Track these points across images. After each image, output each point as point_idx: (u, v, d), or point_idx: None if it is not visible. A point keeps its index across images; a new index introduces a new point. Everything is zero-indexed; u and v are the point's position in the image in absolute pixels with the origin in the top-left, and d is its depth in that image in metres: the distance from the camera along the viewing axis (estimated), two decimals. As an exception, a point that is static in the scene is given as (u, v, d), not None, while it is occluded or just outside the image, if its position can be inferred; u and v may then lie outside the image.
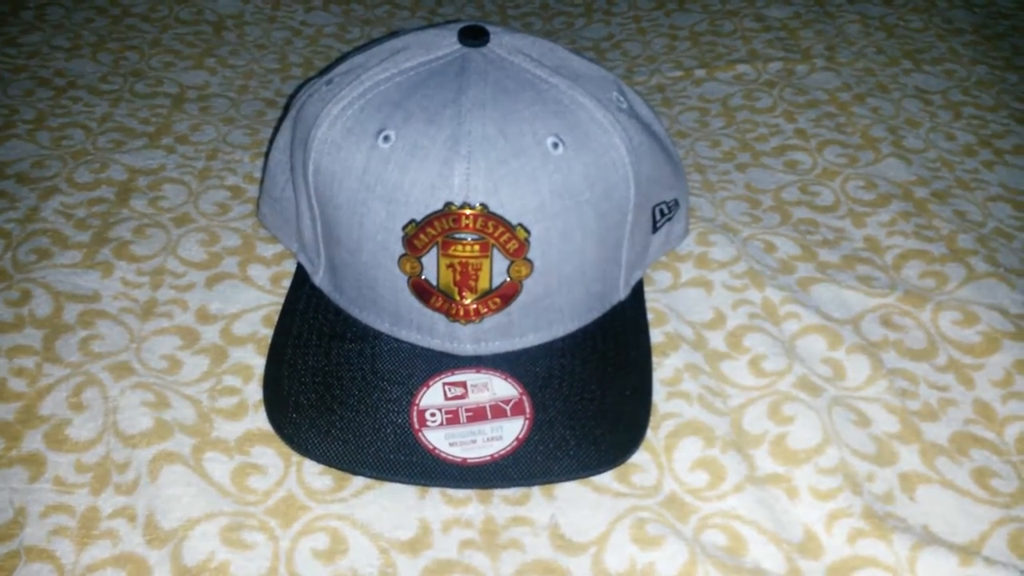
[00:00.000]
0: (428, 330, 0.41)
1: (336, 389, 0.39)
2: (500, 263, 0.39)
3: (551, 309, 0.41)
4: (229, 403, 0.40)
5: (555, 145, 0.39)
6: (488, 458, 0.37)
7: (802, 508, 0.37)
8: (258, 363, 0.42)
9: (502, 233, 0.38)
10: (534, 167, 0.38)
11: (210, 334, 0.43)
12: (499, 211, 0.38)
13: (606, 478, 0.37)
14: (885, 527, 0.35)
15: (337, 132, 0.40)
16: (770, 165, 0.57)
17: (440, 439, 0.38)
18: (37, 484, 0.36)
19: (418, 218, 0.38)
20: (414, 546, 0.35)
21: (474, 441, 0.38)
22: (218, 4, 0.72)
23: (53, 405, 0.39)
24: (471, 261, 0.39)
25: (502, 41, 0.42)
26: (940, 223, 0.51)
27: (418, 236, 0.38)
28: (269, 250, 0.48)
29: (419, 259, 0.39)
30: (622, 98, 0.43)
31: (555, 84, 0.40)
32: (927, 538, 0.35)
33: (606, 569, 0.34)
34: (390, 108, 0.39)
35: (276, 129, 0.52)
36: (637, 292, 0.45)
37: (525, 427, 0.38)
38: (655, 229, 0.45)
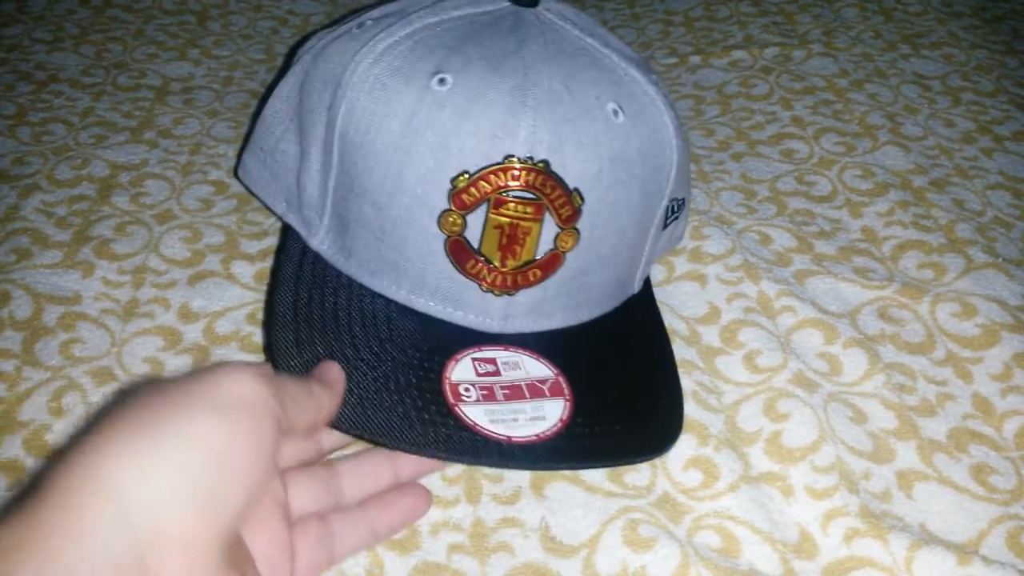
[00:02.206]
0: (455, 300, 0.37)
1: (352, 357, 0.35)
2: (549, 230, 0.36)
3: (583, 289, 0.39)
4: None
5: (615, 112, 0.37)
6: (535, 437, 0.35)
7: (797, 507, 0.36)
8: (241, 359, 0.41)
9: (559, 196, 0.36)
10: (597, 131, 0.36)
11: (193, 334, 0.42)
12: (560, 171, 0.35)
13: (598, 477, 0.37)
14: (882, 526, 0.35)
15: (382, 69, 0.36)
16: (766, 154, 0.56)
17: (480, 414, 0.35)
18: (16, 491, 0.35)
19: (472, 170, 0.35)
20: (404, 545, 0.34)
21: (516, 419, 0.35)
22: (203, -7, 0.70)
23: (33, 410, 0.38)
24: (522, 224, 0.36)
25: (551, 6, 0.40)
26: (939, 212, 0.50)
27: (468, 190, 0.35)
28: (253, 247, 0.47)
29: (464, 216, 0.36)
30: (660, 85, 0.41)
31: (607, 55, 0.39)
32: (924, 537, 0.35)
33: (597, 572, 0.34)
34: (445, 51, 0.36)
35: (276, 78, 0.49)
36: (647, 288, 0.44)
37: (567, 409, 0.36)
38: (664, 226, 0.43)
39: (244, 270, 0.46)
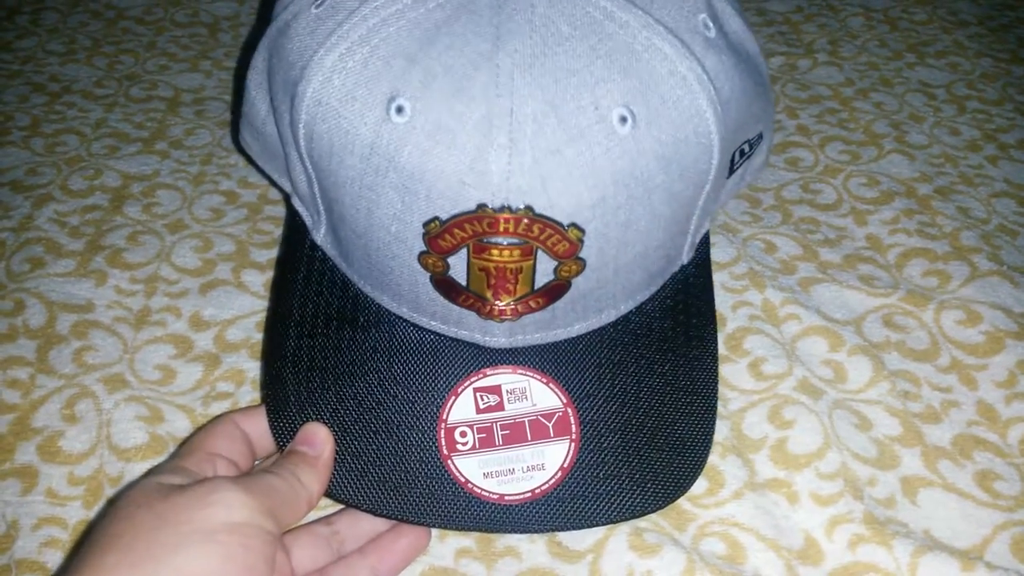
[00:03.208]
0: (455, 322, 0.35)
1: (350, 401, 0.34)
2: (545, 264, 0.32)
3: (602, 299, 0.35)
4: (222, 408, 0.39)
5: (623, 120, 0.30)
6: (528, 495, 0.33)
7: (802, 514, 0.36)
8: (250, 367, 0.41)
9: (550, 236, 0.31)
10: (595, 155, 0.30)
11: (204, 342, 0.43)
12: (547, 212, 0.30)
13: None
14: (886, 532, 0.35)
15: (334, 93, 0.32)
16: (771, 163, 0.56)
17: (473, 469, 0.33)
18: (29, 497, 0.36)
19: (443, 216, 0.31)
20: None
21: (512, 471, 0.33)
22: (214, 6, 0.71)
23: (46, 417, 0.39)
24: (509, 266, 0.32)
25: None
26: (943, 220, 0.51)
27: (443, 236, 0.31)
28: (263, 256, 0.47)
29: (444, 258, 0.32)
30: (710, 22, 0.34)
31: (625, 21, 0.31)
32: (929, 543, 0.35)
33: (603, 578, 0.34)
34: (403, 63, 0.31)
35: (249, 44, 0.46)
36: (700, 249, 0.38)
37: (571, 453, 0.34)
38: (731, 173, 0.37)
39: (254, 279, 0.46)
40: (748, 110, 0.36)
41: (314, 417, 0.34)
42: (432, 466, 0.33)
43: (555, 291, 0.33)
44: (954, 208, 0.52)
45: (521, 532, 0.34)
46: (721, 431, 0.39)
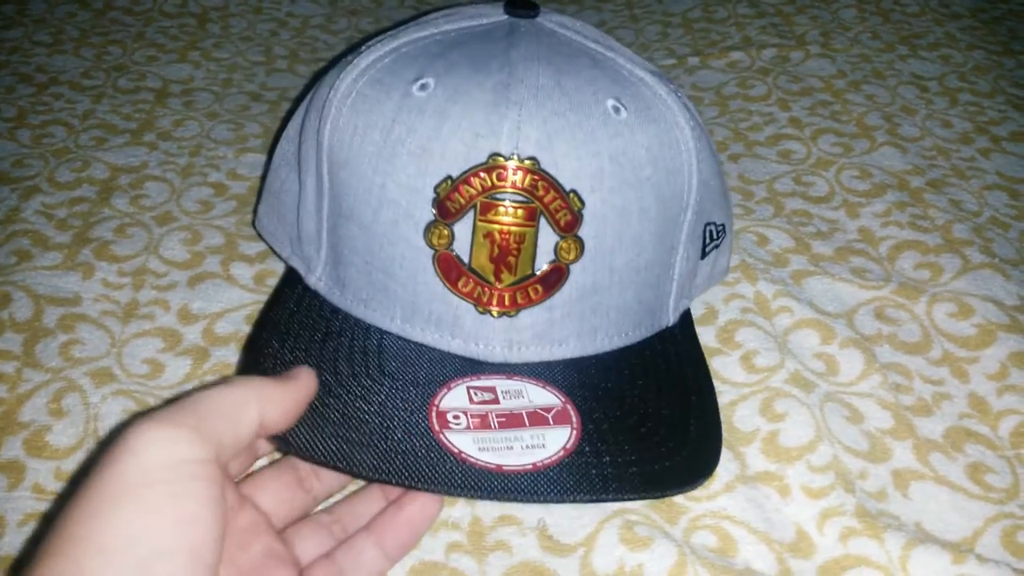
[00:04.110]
0: (450, 325, 0.35)
1: (332, 382, 0.33)
2: (547, 238, 0.34)
3: (598, 311, 0.35)
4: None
5: (616, 109, 0.34)
6: (529, 466, 0.31)
7: (794, 507, 0.36)
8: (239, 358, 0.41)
9: (553, 199, 0.33)
10: (593, 125, 0.34)
11: (192, 335, 0.42)
12: (551, 170, 0.33)
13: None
14: (877, 525, 0.35)
15: (364, 83, 0.35)
16: (763, 155, 0.56)
17: (467, 443, 0.31)
18: (16, 492, 0.35)
19: (455, 173, 0.33)
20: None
21: (510, 447, 0.31)
22: (203, -4, 0.71)
23: (33, 411, 0.38)
24: (514, 231, 0.33)
25: (551, 17, 0.38)
26: (935, 213, 0.51)
27: (452, 196, 0.33)
28: (252, 248, 0.47)
29: (451, 226, 0.33)
30: (680, 92, 0.39)
31: (612, 58, 0.37)
32: (920, 536, 0.35)
33: (594, 571, 0.34)
34: (428, 58, 0.35)
35: (285, 120, 0.48)
36: (686, 322, 0.40)
37: (573, 437, 0.32)
38: (704, 254, 0.40)
39: (243, 272, 0.46)
40: (716, 179, 0.39)
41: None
42: (422, 436, 0.32)
43: (554, 278, 0.34)
44: (946, 201, 0.52)
45: (523, 501, 0.32)
46: (713, 424, 0.39)
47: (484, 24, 0.38)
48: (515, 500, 0.32)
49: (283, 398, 0.29)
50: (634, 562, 0.34)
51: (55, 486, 0.36)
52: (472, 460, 0.31)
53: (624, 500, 0.34)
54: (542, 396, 0.34)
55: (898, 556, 0.34)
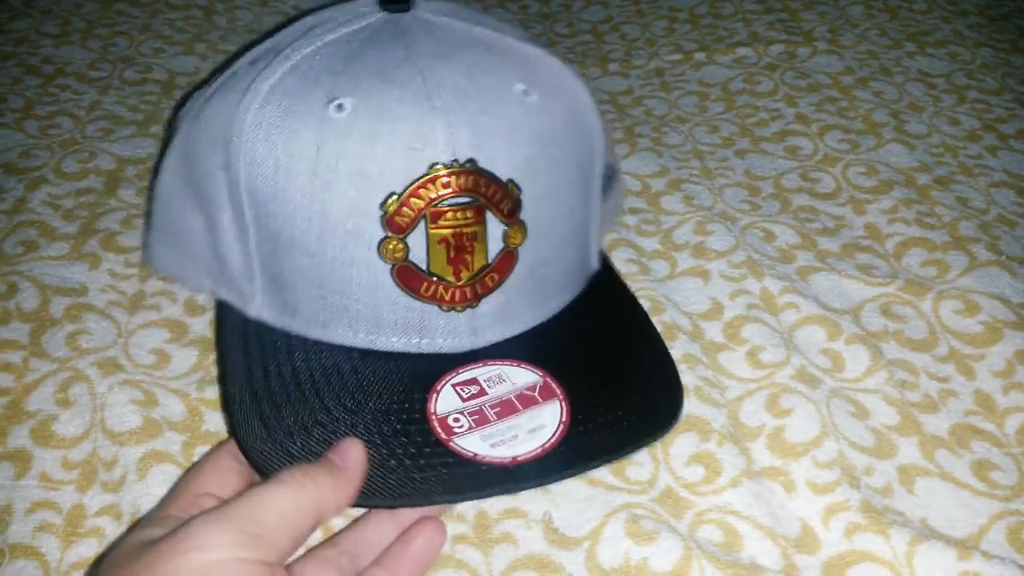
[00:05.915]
0: (417, 328, 0.36)
1: (325, 420, 0.33)
2: (495, 229, 0.35)
3: (545, 280, 0.38)
4: (215, 392, 0.39)
5: (525, 92, 0.36)
6: (539, 450, 0.33)
7: (799, 502, 0.36)
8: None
9: (495, 192, 0.34)
10: (514, 115, 0.35)
11: (199, 326, 0.42)
12: (489, 167, 0.34)
13: (600, 472, 0.37)
14: (883, 521, 0.35)
15: (272, 112, 0.34)
16: (770, 151, 0.56)
17: (477, 443, 0.33)
18: (23, 480, 0.35)
19: (399, 189, 0.33)
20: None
21: (516, 436, 0.33)
22: (209, -12, 0.71)
23: (40, 401, 0.38)
24: (465, 231, 0.34)
25: (426, 5, 0.38)
26: (942, 210, 0.51)
27: (401, 211, 0.33)
28: (259, 240, 0.47)
29: (403, 239, 0.34)
30: (554, 53, 0.40)
31: (500, 38, 0.38)
32: (925, 532, 0.35)
33: (600, 564, 0.34)
34: (331, 76, 0.35)
35: (161, 154, 0.44)
36: (606, 262, 0.43)
37: (564, 409, 0.35)
38: (604, 196, 0.42)
39: (250, 263, 0.46)
40: (604, 124, 0.41)
41: (284, 438, 0.33)
42: (436, 450, 0.33)
43: (506, 264, 0.36)
44: (953, 198, 0.51)
45: (544, 484, 0.35)
46: (718, 419, 0.39)
47: (364, 27, 0.37)
48: (539, 485, 0.34)
49: (341, 490, 0.30)
50: (639, 556, 0.34)
51: (62, 475, 0.36)
52: (489, 459, 0.33)
53: (629, 454, 0.36)
54: (520, 375, 0.36)
55: (903, 552, 0.34)
